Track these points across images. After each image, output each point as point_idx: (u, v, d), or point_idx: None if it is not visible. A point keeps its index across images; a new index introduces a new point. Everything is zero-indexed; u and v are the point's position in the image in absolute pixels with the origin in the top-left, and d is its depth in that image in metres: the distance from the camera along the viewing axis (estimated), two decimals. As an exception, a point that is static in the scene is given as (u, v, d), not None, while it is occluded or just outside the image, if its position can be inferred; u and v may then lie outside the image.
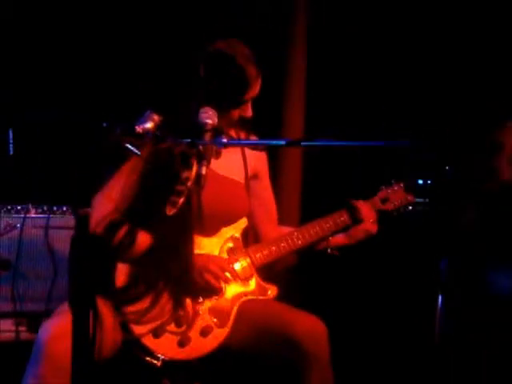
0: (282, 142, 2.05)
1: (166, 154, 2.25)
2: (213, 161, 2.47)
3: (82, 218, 1.55)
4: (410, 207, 2.86)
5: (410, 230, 3.37)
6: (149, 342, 2.38)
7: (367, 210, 2.70)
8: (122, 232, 2.35)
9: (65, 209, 3.26)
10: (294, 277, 2.96)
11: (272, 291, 2.61)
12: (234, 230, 2.60)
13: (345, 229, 2.72)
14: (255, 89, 2.51)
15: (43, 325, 2.32)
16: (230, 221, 2.58)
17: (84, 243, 1.53)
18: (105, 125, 1.62)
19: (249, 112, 2.54)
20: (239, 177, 2.65)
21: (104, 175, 2.41)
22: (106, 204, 2.39)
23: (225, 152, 2.59)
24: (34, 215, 3.22)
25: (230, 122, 2.52)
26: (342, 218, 2.69)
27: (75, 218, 1.55)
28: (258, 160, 2.72)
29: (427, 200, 2.84)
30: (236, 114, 2.51)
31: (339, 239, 2.74)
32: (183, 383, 2.46)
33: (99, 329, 2.26)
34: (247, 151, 2.69)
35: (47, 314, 3.07)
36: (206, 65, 2.46)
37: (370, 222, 2.69)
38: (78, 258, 1.53)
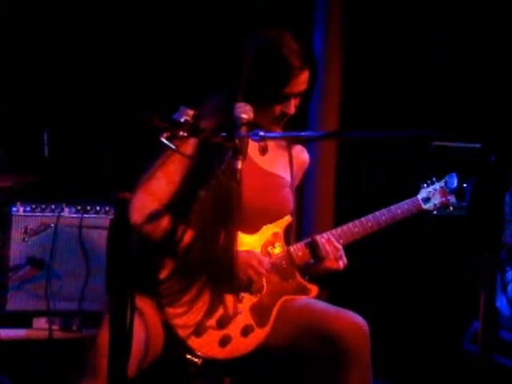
0: (322, 134, 2.00)
1: (209, 146, 2.19)
2: (259, 157, 2.50)
3: (121, 201, 1.51)
4: (452, 208, 2.77)
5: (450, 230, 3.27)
6: (191, 340, 2.34)
7: (330, 247, 2.50)
8: (164, 226, 2.32)
9: (98, 208, 3.25)
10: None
11: (313, 290, 2.54)
12: (277, 228, 2.52)
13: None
14: (299, 83, 2.39)
15: (97, 342, 2.23)
16: (273, 218, 2.50)
17: (123, 228, 1.50)
18: (144, 109, 1.59)
19: (291, 109, 2.42)
20: (285, 175, 2.57)
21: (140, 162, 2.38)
22: (147, 198, 2.34)
23: (272, 149, 2.57)
24: (67, 215, 3.22)
25: (272, 118, 2.41)
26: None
27: (114, 201, 1.52)
28: (300, 166, 2.65)
29: (463, 204, 2.74)
30: (278, 109, 2.41)
31: None
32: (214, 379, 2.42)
33: (145, 328, 2.26)
34: (294, 152, 2.61)
35: (80, 312, 3.10)
36: (251, 52, 2.39)
37: (331, 260, 2.49)
38: (117, 243, 1.50)
